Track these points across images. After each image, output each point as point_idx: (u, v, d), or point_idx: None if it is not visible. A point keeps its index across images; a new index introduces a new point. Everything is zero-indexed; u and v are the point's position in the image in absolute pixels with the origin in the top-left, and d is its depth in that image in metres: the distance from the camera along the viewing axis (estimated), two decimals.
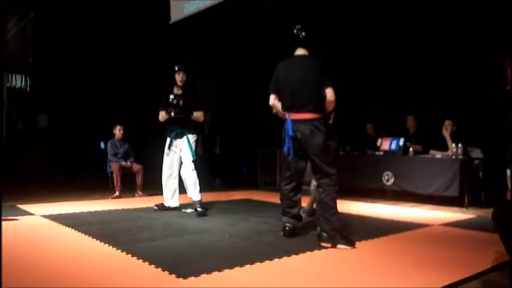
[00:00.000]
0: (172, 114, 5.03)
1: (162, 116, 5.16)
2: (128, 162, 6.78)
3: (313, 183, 5.12)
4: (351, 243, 3.35)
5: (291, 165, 3.67)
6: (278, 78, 3.63)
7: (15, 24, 11.79)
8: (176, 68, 5.15)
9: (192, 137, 5.10)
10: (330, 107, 3.54)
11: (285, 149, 3.61)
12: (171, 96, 5.07)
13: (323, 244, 3.33)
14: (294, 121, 3.48)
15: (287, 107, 3.56)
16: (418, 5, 6.58)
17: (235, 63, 9.31)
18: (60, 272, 2.74)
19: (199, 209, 4.97)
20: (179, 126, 5.09)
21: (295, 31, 3.61)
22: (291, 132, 3.51)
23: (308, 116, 3.45)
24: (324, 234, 3.34)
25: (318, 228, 3.39)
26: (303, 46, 3.63)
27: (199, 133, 5.25)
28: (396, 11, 6.84)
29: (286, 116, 3.54)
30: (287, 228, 3.71)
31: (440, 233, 4.16)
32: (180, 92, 5.14)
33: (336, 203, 3.40)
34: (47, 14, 10.01)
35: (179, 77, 5.14)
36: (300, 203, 3.87)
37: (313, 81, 3.47)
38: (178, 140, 5.11)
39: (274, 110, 3.75)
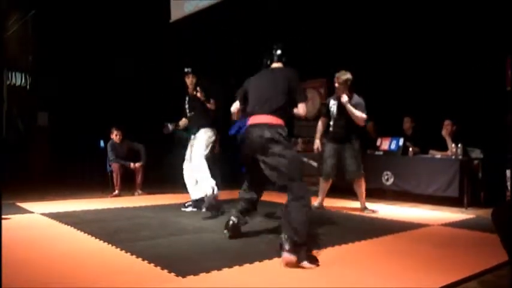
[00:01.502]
0: (188, 114, 5.29)
1: (183, 122, 5.51)
2: (136, 165, 6.75)
3: (322, 180, 5.39)
4: (316, 262, 2.86)
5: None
6: (247, 85, 3.58)
7: (16, 22, 11.77)
8: (185, 71, 5.22)
9: (207, 134, 5.06)
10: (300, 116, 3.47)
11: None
12: (186, 101, 5.33)
13: (285, 255, 2.85)
14: (251, 125, 3.31)
15: (249, 112, 3.43)
16: (418, 5, 6.57)
17: (235, 62, 9.31)
18: (59, 270, 2.74)
19: (188, 208, 5.12)
20: (194, 124, 5.20)
21: (272, 50, 3.63)
22: (238, 134, 3.62)
23: (267, 120, 3.24)
24: (287, 245, 2.86)
25: (283, 236, 2.94)
26: (278, 61, 3.60)
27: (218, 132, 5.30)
28: (396, 10, 6.84)
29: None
30: (230, 222, 3.62)
31: (440, 233, 4.16)
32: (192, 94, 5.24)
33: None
34: (48, 12, 10.00)
35: (189, 80, 5.24)
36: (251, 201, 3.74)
37: (280, 89, 3.33)
38: (194, 137, 5.18)
39: (234, 116, 3.74)
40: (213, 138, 5.09)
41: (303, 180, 3.15)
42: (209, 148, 5.04)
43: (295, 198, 3.05)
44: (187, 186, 5.22)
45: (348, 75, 5.00)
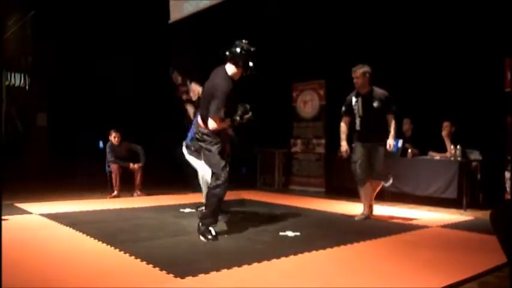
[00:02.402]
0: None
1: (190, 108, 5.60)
2: (136, 166, 6.74)
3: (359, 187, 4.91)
4: (208, 238, 3.58)
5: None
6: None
7: (15, 23, 11.77)
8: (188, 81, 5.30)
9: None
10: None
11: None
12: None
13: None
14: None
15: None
16: (418, 6, 6.58)
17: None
18: (58, 271, 2.74)
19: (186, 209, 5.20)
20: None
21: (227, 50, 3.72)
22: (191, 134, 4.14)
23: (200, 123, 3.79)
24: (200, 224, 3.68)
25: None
26: (231, 61, 3.71)
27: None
28: (395, 12, 6.84)
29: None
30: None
31: (439, 234, 4.16)
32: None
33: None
34: (47, 12, 10.00)
35: (192, 87, 5.27)
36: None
37: (208, 94, 3.69)
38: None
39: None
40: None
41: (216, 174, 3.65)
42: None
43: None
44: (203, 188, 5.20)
45: (365, 68, 4.67)
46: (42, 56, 10.11)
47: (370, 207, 4.91)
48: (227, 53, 3.69)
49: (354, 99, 4.79)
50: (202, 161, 4.90)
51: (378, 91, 4.72)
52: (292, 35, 8.22)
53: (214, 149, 3.68)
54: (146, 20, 9.94)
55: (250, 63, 3.68)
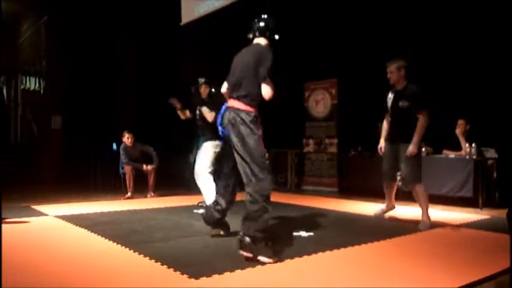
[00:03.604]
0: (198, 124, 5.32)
1: (186, 114, 5.79)
2: (149, 167, 6.79)
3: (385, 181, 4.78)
4: (273, 256, 2.91)
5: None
6: (231, 66, 3.41)
7: (29, 28, 11.97)
8: (199, 82, 5.29)
9: (212, 150, 5.00)
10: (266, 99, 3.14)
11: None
12: (197, 110, 5.32)
13: (242, 252, 2.97)
14: (227, 108, 3.21)
15: (229, 95, 3.30)
16: (430, 3, 6.51)
17: None
18: (73, 271, 2.76)
19: (200, 210, 5.18)
20: (202, 135, 5.21)
21: (253, 24, 3.38)
22: (219, 121, 3.34)
23: (236, 104, 3.13)
24: (247, 239, 2.95)
25: (241, 233, 3.02)
26: (260, 35, 3.34)
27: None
28: (406, 9, 6.78)
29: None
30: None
31: (454, 233, 4.11)
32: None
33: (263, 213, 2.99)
34: (60, 17, 10.14)
35: (202, 90, 5.29)
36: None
37: (249, 69, 3.13)
38: (200, 148, 5.17)
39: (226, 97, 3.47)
40: (218, 150, 4.96)
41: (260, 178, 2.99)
42: (213, 163, 4.97)
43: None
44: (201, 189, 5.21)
45: (399, 62, 4.45)
46: (56, 60, 10.26)
47: (389, 206, 4.87)
48: (258, 26, 3.32)
49: (389, 95, 4.61)
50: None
51: (411, 88, 4.44)
52: (304, 35, 8.20)
53: (258, 136, 3.06)
54: (158, 23, 10.00)
55: (276, 36, 3.37)
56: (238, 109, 3.10)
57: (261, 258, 2.90)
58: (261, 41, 3.32)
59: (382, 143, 4.74)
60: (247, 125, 3.05)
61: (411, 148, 4.28)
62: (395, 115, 4.52)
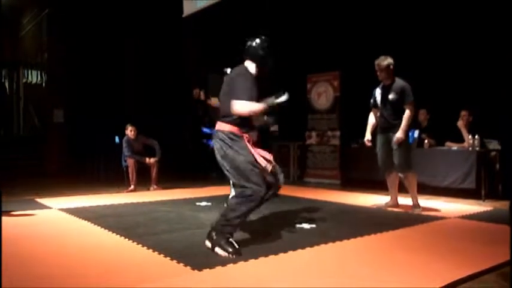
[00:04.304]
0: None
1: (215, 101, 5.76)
2: (151, 160, 6.80)
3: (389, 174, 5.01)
4: (231, 253, 2.90)
5: None
6: None
7: (30, 21, 11.94)
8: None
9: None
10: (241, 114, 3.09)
11: None
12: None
13: (207, 243, 3.09)
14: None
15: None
16: None
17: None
18: (77, 263, 2.78)
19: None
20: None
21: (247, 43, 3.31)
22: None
23: (220, 126, 3.18)
24: (213, 233, 3.06)
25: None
26: (247, 57, 3.29)
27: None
28: (410, 1, 6.73)
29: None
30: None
31: (457, 225, 4.11)
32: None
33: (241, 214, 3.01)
34: (61, 10, 10.10)
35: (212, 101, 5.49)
36: None
37: (227, 91, 3.18)
38: None
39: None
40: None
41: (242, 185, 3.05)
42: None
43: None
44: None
45: (388, 60, 4.71)
46: (58, 53, 10.23)
47: (393, 201, 5.05)
48: (247, 48, 3.28)
49: (377, 91, 4.91)
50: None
51: (398, 83, 4.72)
52: (306, 27, 8.16)
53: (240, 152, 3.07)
54: (161, 15, 9.96)
55: (269, 63, 3.29)
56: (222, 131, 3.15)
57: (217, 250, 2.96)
58: (249, 64, 3.27)
59: (368, 136, 5.02)
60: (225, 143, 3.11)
61: (398, 134, 4.62)
62: (385, 108, 4.80)
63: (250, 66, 3.27)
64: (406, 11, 6.80)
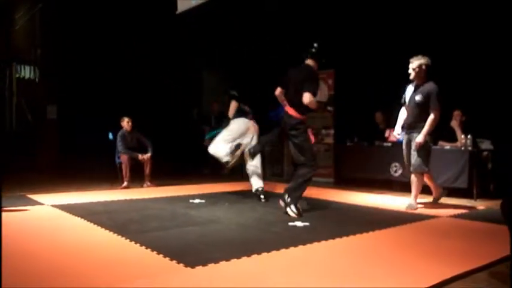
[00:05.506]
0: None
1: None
2: (145, 157, 6.77)
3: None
4: (299, 215, 4.20)
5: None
6: (287, 77, 4.53)
7: (23, 16, 11.83)
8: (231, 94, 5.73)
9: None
10: (310, 106, 4.33)
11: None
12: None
13: (281, 203, 4.39)
14: (285, 112, 4.45)
15: (287, 101, 4.50)
16: None
17: (242, 56, 9.26)
18: (69, 260, 2.77)
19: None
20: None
21: (311, 48, 4.47)
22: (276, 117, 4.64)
23: (291, 112, 4.38)
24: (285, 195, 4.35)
25: (286, 195, 4.35)
26: (311, 58, 4.48)
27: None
28: (404, 1, 6.75)
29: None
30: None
31: (449, 224, 4.14)
32: None
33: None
34: (55, 4, 10.02)
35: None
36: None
37: (299, 85, 4.29)
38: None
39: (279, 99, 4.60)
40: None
41: (307, 164, 4.42)
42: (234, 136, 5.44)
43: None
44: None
45: (421, 60, 4.66)
46: (51, 49, 10.14)
47: (438, 191, 5.15)
48: (310, 50, 4.49)
49: (409, 88, 4.91)
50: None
51: (427, 86, 4.70)
52: (301, 25, 8.15)
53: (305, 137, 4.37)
54: (155, 11, 9.91)
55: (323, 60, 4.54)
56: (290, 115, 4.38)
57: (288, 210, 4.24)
58: (310, 62, 4.48)
59: (398, 130, 5.13)
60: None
61: (418, 139, 4.66)
62: (410, 108, 4.83)
63: (312, 64, 4.50)
64: (400, 11, 6.82)
